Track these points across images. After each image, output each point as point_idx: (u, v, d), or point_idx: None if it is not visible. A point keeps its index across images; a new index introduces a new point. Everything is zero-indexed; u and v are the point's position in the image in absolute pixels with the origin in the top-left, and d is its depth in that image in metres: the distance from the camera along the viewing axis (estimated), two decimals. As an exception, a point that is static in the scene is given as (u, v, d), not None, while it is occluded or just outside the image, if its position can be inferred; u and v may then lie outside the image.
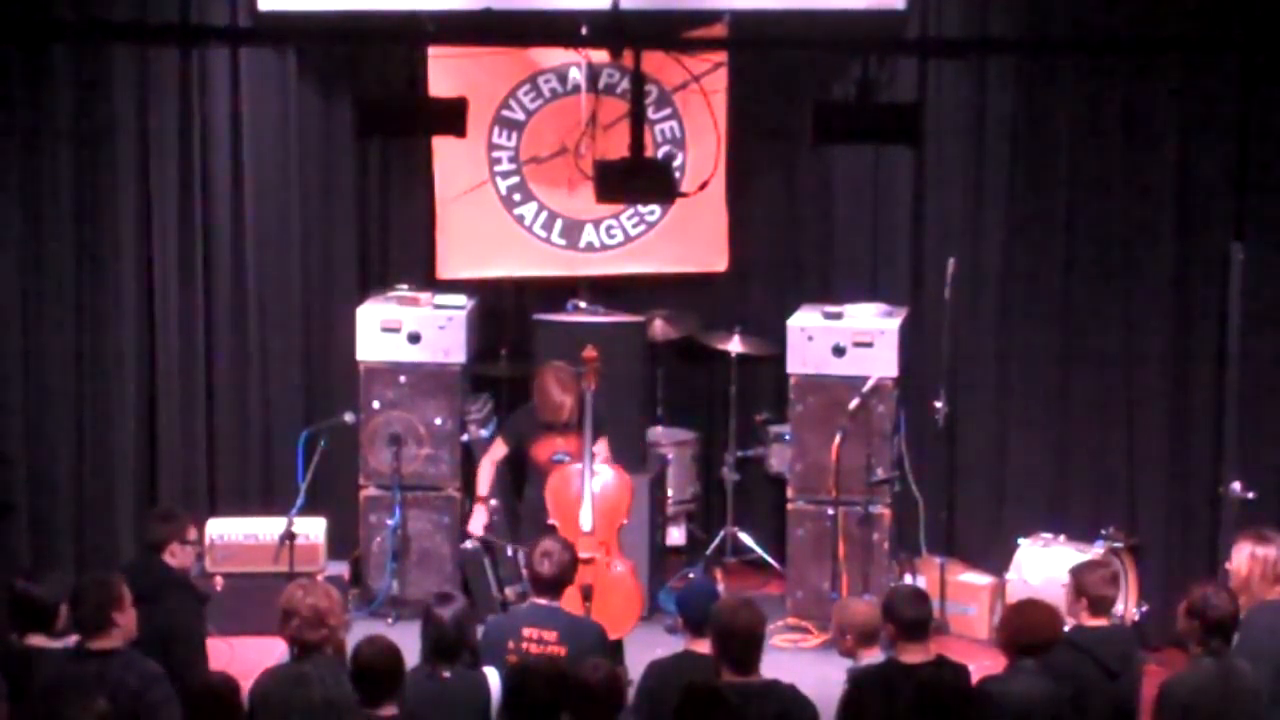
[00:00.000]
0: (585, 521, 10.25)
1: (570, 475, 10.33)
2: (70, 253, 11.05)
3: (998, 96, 11.12)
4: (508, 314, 12.02)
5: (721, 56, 11.38)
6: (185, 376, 11.36)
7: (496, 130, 11.66)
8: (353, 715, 7.11)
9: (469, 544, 10.80)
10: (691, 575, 11.48)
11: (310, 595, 7.45)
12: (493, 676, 7.55)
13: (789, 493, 11.13)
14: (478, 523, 10.59)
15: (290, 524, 10.32)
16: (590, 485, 10.29)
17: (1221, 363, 10.47)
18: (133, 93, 11.13)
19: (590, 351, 10.39)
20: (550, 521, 10.33)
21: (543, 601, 8.22)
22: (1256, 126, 10.56)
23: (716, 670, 7.32)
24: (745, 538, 11.72)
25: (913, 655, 7.51)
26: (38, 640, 7.50)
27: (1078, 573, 8.22)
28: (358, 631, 10.19)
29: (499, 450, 10.75)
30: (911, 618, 7.62)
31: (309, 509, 10.56)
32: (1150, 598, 10.56)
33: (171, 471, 11.36)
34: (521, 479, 10.88)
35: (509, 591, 10.70)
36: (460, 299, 11.31)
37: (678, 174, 11.33)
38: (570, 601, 8.38)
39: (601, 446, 10.59)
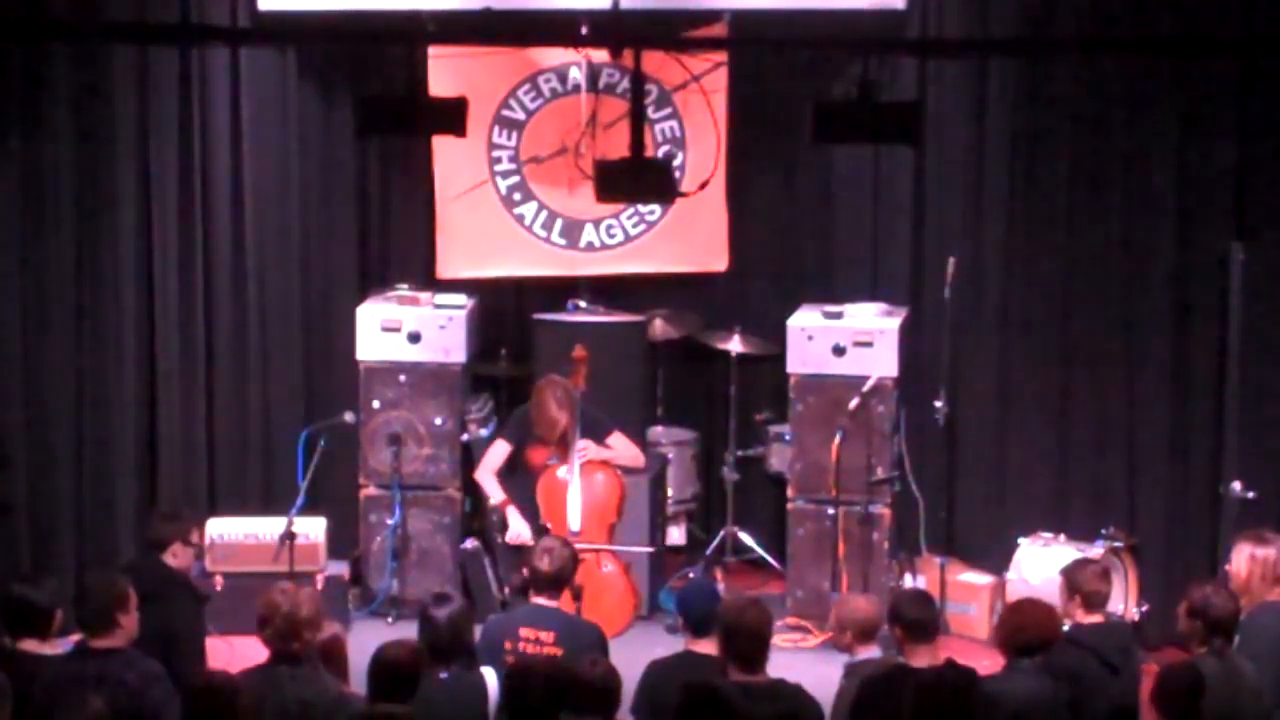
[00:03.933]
0: (573, 521, 10.27)
1: (558, 477, 10.35)
2: (70, 253, 11.04)
3: (998, 96, 11.12)
4: (508, 314, 12.02)
5: (721, 56, 11.38)
6: (185, 377, 11.35)
7: (496, 130, 11.66)
8: (332, 715, 7.16)
9: (469, 544, 10.80)
10: (691, 575, 11.48)
11: (288, 604, 7.41)
12: (490, 677, 7.55)
13: (789, 492, 11.14)
14: (523, 527, 10.51)
15: (290, 524, 10.33)
16: (577, 485, 10.30)
17: (1221, 363, 10.47)
18: (133, 93, 11.12)
19: (580, 351, 10.40)
20: (544, 523, 10.36)
21: (541, 601, 8.23)
22: (1256, 126, 10.57)
23: (723, 669, 7.33)
24: (745, 537, 11.72)
25: (921, 658, 7.51)
26: (30, 645, 7.49)
27: (1069, 571, 8.24)
28: (358, 631, 10.26)
29: (500, 452, 10.76)
30: (917, 619, 7.62)
31: (309, 509, 10.57)
32: (1150, 598, 10.56)
33: (171, 471, 11.35)
34: (510, 478, 10.93)
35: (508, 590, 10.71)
36: (460, 299, 11.32)
37: (678, 174, 11.33)
38: (562, 601, 8.38)
39: (617, 439, 10.60)
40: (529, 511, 10.54)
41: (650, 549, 10.50)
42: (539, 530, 10.28)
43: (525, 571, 8.47)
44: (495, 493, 10.66)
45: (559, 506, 10.36)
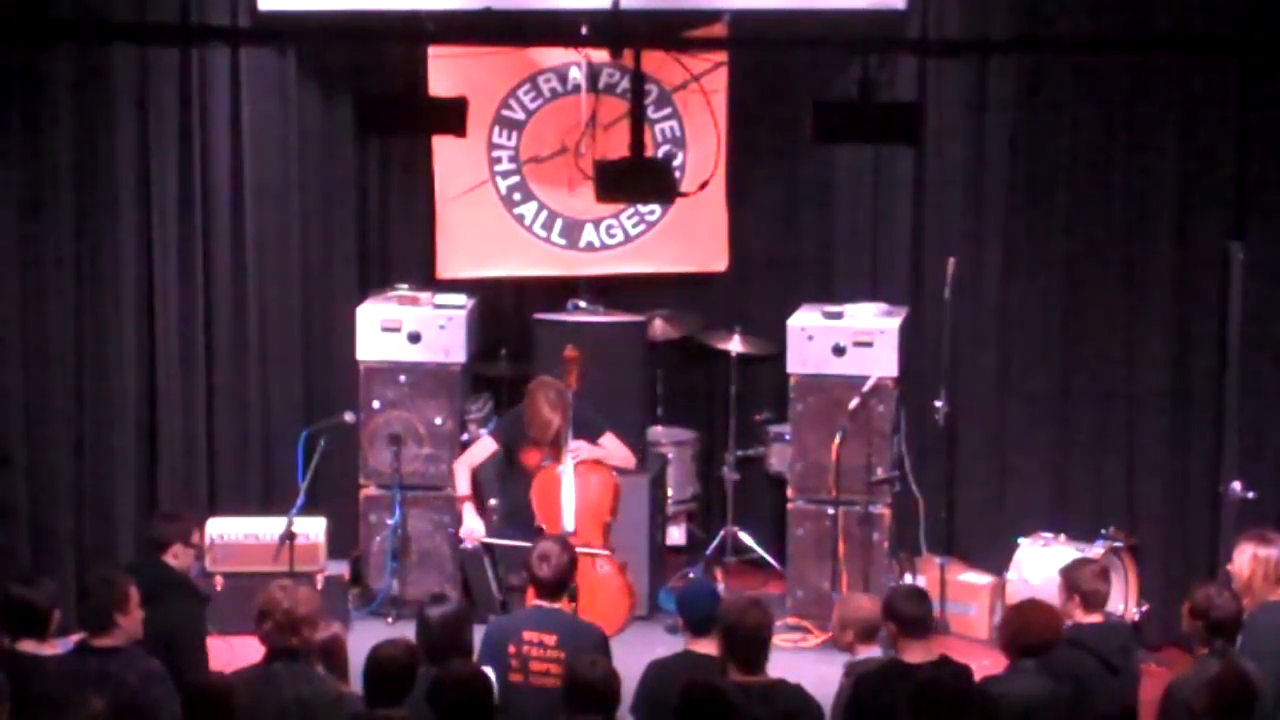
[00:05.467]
0: (568, 522, 10.27)
1: (552, 477, 10.35)
2: (70, 253, 11.03)
3: (998, 96, 11.11)
4: (508, 314, 12.02)
5: (721, 56, 11.38)
6: (185, 377, 11.35)
7: (496, 130, 11.66)
8: (331, 714, 7.16)
9: (469, 544, 10.80)
10: (691, 575, 11.48)
11: (287, 600, 7.43)
12: (490, 677, 7.54)
13: (789, 492, 11.13)
14: (476, 525, 10.58)
15: (290, 524, 10.34)
16: (571, 485, 10.30)
17: (1222, 363, 10.47)
18: (133, 93, 11.12)
19: (571, 351, 10.40)
20: (539, 523, 10.37)
21: (544, 604, 8.22)
22: (1256, 126, 10.57)
23: (724, 669, 7.34)
24: (745, 537, 11.72)
25: (915, 654, 7.54)
26: (29, 645, 7.50)
27: (1068, 571, 8.25)
28: (358, 631, 10.25)
29: (484, 449, 10.79)
30: (912, 616, 7.64)
31: (309, 509, 10.57)
32: (1150, 598, 10.56)
33: (171, 471, 11.35)
34: (508, 479, 10.94)
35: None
36: (460, 299, 11.32)
37: (678, 174, 11.33)
38: (557, 601, 8.40)
39: (609, 440, 10.60)
40: (525, 513, 10.55)
41: (606, 552, 10.45)
42: (535, 532, 10.28)
43: (526, 575, 8.48)
44: (463, 486, 10.71)
45: (554, 507, 10.36)
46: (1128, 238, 10.89)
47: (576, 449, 10.41)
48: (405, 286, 11.43)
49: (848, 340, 10.93)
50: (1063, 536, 10.67)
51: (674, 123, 11.65)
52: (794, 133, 11.24)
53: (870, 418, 10.85)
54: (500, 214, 11.74)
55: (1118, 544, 10.52)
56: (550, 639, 7.97)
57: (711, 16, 11.21)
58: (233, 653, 9.34)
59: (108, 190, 11.12)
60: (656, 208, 11.59)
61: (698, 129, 11.50)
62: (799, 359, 11.03)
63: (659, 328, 11.76)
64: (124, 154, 11.13)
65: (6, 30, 10.28)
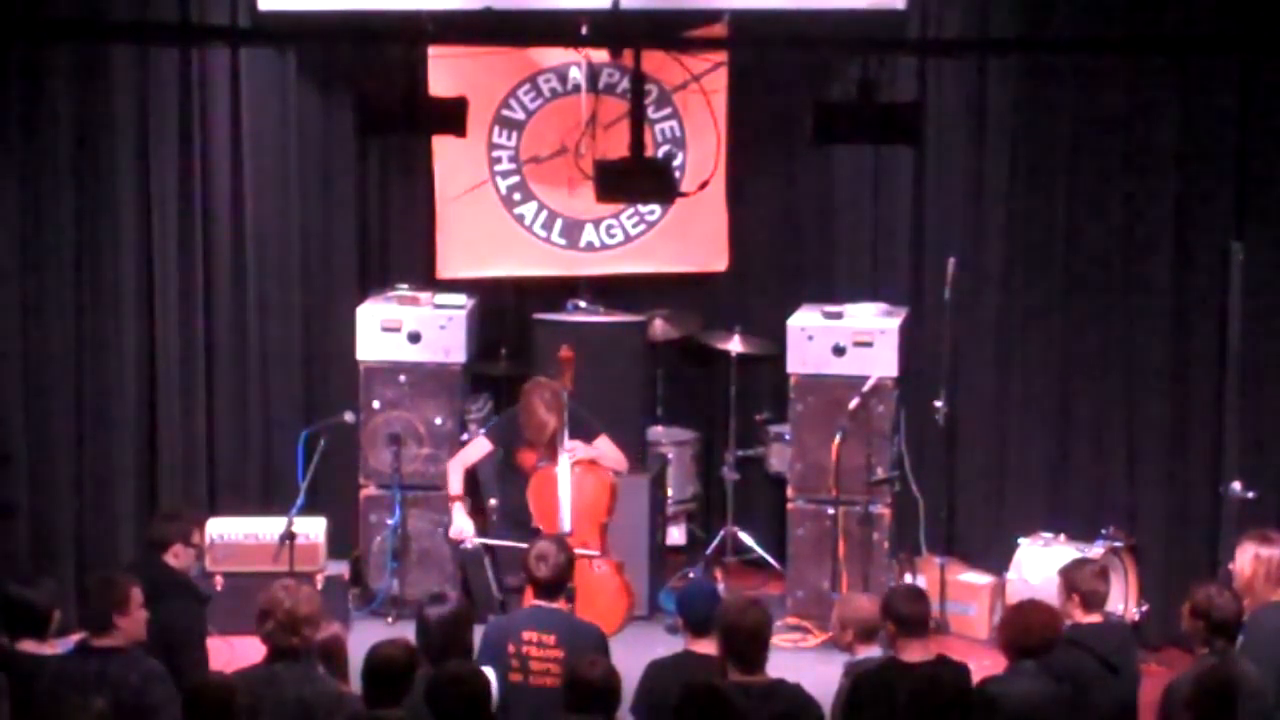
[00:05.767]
0: (565, 522, 10.28)
1: (549, 477, 10.35)
2: (70, 252, 11.03)
3: (998, 96, 11.12)
4: (508, 314, 12.03)
5: (721, 56, 11.38)
6: (185, 377, 11.34)
7: (496, 130, 11.66)
8: (332, 714, 7.16)
9: (469, 544, 10.81)
10: (691, 575, 11.48)
11: (290, 600, 7.44)
12: (490, 677, 7.54)
13: (789, 492, 11.13)
14: (465, 524, 10.57)
15: (290, 524, 10.34)
16: (567, 486, 10.31)
17: (1222, 363, 10.47)
18: (133, 92, 11.12)
19: (566, 352, 10.40)
20: (535, 524, 10.37)
21: (542, 604, 8.22)
22: (1256, 126, 10.57)
23: (723, 669, 7.34)
24: (745, 537, 11.72)
25: (913, 654, 7.54)
26: (29, 645, 7.51)
27: (1067, 571, 8.25)
28: (358, 631, 10.26)
29: (478, 450, 10.79)
30: (909, 615, 7.64)
31: (309, 509, 10.57)
32: (1150, 598, 10.56)
33: (171, 471, 11.35)
34: (505, 479, 10.94)
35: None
36: (460, 299, 11.32)
37: (678, 174, 11.33)
38: (554, 601, 8.40)
39: (603, 443, 10.60)
40: (523, 514, 10.55)
41: (599, 553, 10.44)
42: (532, 532, 10.27)
43: (524, 575, 8.48)
44: (454, 486, 10.72)
45: (550, 507, 10.36)
46: (1127, 238, 10.88)
47: (573, 448, 10.41)
48: (405, 286, 11.43)
49: (848, 340, 10.93)
50: (1063, 536, 10.67)
51: (674, 123, 11.65)
52: (794, 133, 11.23)
53: (870, 418, 10.86)
54: (500, 214, 11.75)
55: (1118, 544, 10.52)
56: (550, 638, 7.97)
57: (711, 16, 11.21)
58: (233, 653, 9.35)
59: (108, 190, 11.12)
60: (656, 208, 11.59)
61: (698, 129, 11.50)
62: (799, 359, 11.03)
63: (659, 328, 11.76)
64: (124, 154, 11.13)
65: (6, 29, 10.28)
